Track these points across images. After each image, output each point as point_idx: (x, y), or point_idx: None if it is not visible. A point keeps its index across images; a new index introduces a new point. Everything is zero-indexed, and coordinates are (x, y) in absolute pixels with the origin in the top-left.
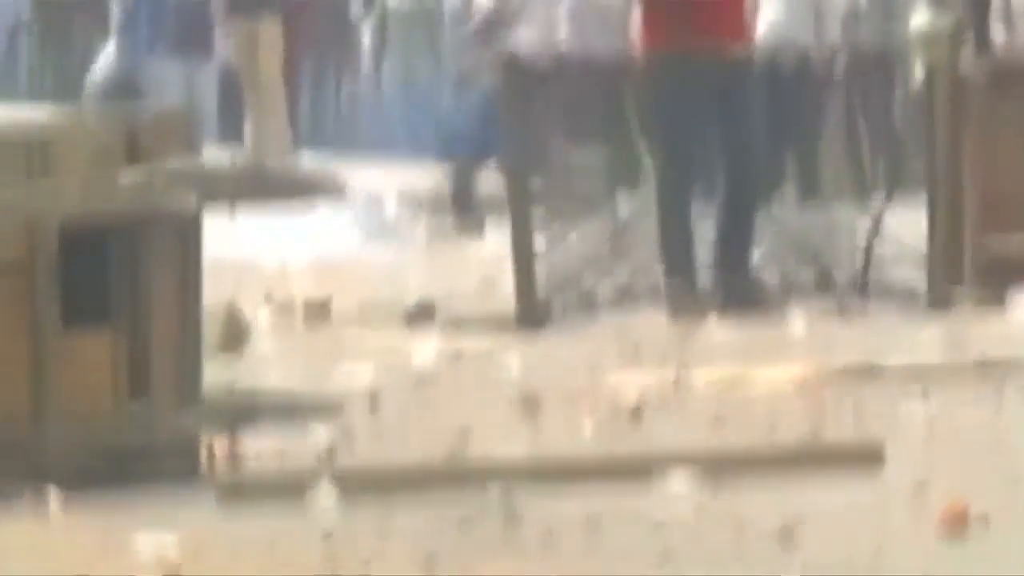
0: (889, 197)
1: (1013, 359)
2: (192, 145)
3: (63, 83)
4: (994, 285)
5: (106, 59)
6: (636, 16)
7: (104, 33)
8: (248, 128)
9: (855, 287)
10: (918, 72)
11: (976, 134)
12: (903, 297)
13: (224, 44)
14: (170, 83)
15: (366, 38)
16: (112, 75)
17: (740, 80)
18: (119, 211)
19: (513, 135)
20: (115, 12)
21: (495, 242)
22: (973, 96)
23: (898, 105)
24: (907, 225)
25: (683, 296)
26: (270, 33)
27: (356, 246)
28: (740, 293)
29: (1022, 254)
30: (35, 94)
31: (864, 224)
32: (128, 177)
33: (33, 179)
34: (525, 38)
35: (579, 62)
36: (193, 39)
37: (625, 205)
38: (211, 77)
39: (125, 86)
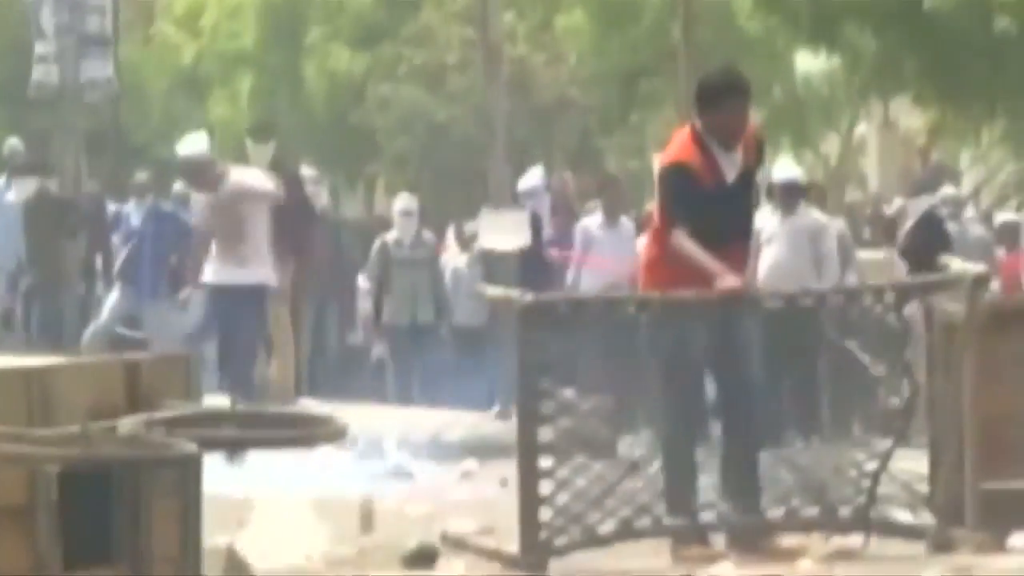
0: (900, 438)
1: None
2: (192, 390)
3: (61, 330)
4: (994, 528)
5: (109, 305)
6: (644, 254)
7: (107, 280)
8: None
9: (859, 526)
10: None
11: (976, 377)
12: (906, 537)
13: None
14: (171, 329)
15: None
16: (114, 321)
17: (744, 321)
18: (119, 456)
19: (530, 383)
20: (120, 259)
21: (498, 485)
22: (974, 340)
23: (907, 347)
24: (909, 465)
25: (686, 535)
26: (282, 281)
27: (357, 488)
28: (746, 529)
29: (1022, 499)
30: (32, 343)
31: (867, 463)
32: (128, 424)
33: (34, 425)
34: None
35: (596, 307)
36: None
37: (628, 448)
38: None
39: (126, 332)
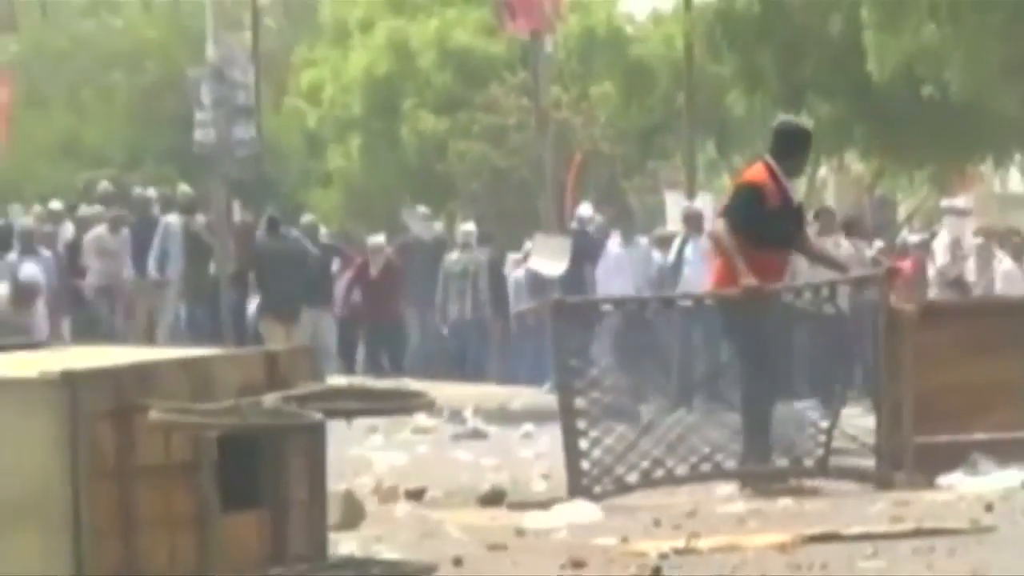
0: (842, 402)
1: (941, 528)
2: (318, 374)
3: (214, 327)
4: (926, 471)
5: (254, 311)
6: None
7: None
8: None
9: (820, 472)
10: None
11: (911, 357)
12: (857, 480)
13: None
14: (301, 327)
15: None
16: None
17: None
18: (263, 424)
19: (562, 363)
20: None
21: (550, 443)
22: (908, 328)
23: (852, 332)
24: (857, 424)
25: (760, 472)
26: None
27: (444, 446)
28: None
29: (947, 448)
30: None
31: (821, 421)
32: (270, 399)
33: (198, 401)
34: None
35: (614, 305)
36: (318, 295)
37: (646, 413)
38: (331, 323)
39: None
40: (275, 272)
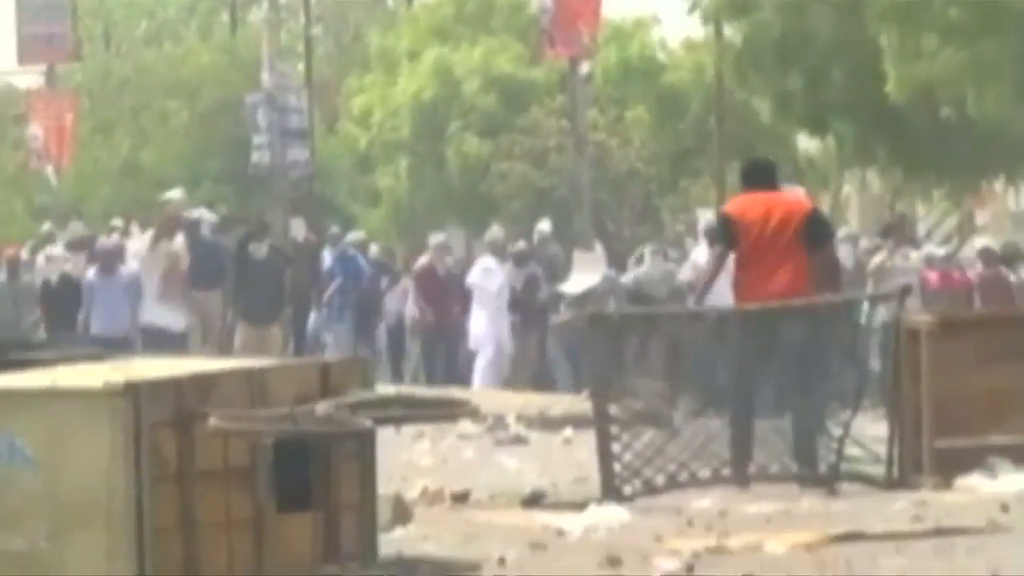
0: (855, 410)
1: (960, 527)
2: (368, 382)
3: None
4: (945, 473)
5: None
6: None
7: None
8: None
9: (833, 476)
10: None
11: (929, 367)
12: (866, 484)
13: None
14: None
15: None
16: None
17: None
18: (317, 431)
19: (596, 371)
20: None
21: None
22: (927, 338)
23: (867, 342)
24: (866, 433)
25: (743, 471)
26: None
27: (488, 452)
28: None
29: (965, 452)
30: None
31: (835, 430)
32: (323, 406)
33: (255, 407)
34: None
35: (644, 317)
36: (369, 308)
37: (676, 418)
38: (381, 333)
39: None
40: (250, 281)
